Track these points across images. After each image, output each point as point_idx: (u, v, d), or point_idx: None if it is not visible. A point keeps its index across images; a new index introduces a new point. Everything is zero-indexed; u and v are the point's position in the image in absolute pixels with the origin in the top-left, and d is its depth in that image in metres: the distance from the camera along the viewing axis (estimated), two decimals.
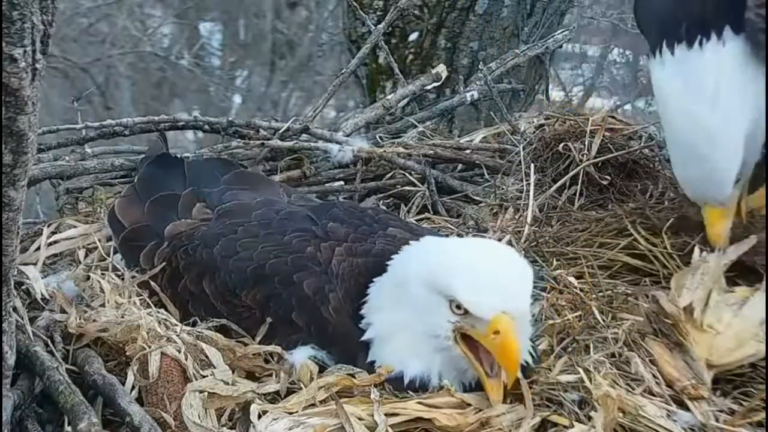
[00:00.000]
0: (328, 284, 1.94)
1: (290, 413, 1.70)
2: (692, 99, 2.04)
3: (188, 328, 1.95)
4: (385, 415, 1.70)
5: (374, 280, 1.91)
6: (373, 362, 1.84)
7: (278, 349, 1.88)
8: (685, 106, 2.06)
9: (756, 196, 2.28)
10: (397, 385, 1.80)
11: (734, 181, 2.09)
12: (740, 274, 2.13)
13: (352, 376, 1.78)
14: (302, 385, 1.77)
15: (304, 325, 1.91)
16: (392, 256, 1.94)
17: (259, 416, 1.69)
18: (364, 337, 1.86)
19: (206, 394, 1.72)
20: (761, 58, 1.98)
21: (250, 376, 1.88)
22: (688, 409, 1.77)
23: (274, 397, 1.80)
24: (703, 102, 2.02)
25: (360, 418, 1.69)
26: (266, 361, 1.90)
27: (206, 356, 1.86)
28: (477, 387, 1.80)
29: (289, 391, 1.79)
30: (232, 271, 2.05)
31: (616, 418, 1.68)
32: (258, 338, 1.92)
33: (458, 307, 1.73)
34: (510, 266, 1.77)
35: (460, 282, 1.72)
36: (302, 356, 1.85)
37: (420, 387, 1.80)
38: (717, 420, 1.74)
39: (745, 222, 2.25)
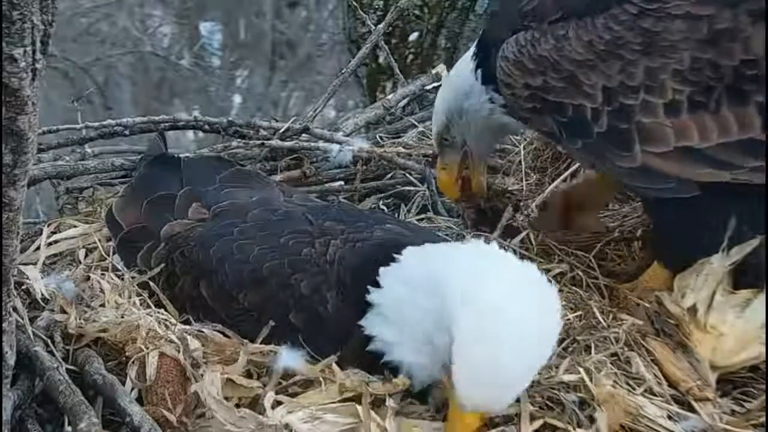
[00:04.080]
0: (326, 284, 1.93)
1: (306, 407, 1.70)
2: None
3: (188, 327, 1.95)
4: None
5: (385, 267, 1.83)
6: (367, 336, 1.81)
7: (278, 349, 1.86)
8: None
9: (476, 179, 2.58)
10: (376, 360, 1.79)
11: (439, 135, 2.52)
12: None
13: (366, 383, 1.76)
14: (321, 381, 1.76)
15: (301, 325, 1.90)
16: (394, 243, 1.90)
17: (276, 405, 1.69)
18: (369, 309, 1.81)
19: (225, 378, 1.73)
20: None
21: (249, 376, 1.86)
22: (690, 409, 1.77)
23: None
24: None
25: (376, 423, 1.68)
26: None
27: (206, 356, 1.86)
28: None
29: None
30: (229, 274, 2.04)
31: (620, 421, 1.68)
32: (259, 340, 1.91)
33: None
34: (523, 355, 1.56)
35: (461, 361, 1.55)
36: (291, 358, 1.82)
37: (392, 369, 1.78)
38: (720, 421, 1.74)
39: (481, 196, 2.60)
